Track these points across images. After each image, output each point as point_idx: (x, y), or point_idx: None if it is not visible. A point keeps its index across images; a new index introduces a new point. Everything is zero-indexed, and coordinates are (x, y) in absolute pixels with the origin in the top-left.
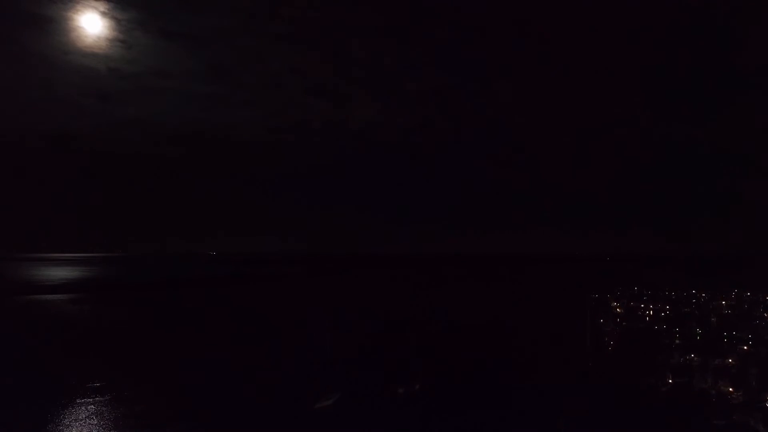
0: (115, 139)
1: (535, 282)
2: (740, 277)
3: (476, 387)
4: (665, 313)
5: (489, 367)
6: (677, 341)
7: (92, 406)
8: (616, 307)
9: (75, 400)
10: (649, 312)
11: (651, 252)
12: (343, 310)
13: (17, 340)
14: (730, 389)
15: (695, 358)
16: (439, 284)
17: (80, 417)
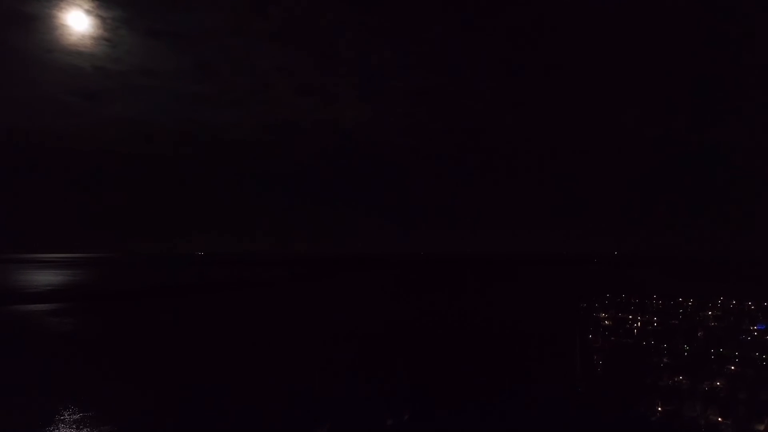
0: (100, 139)
1: (524, 287)
2: (726, 281)
3: (464, 417)
4: (653, 326)
5: (478, 393)
6: (665, 360)
7: None
8: (605, 318)
9: None
10: (637, 324)
11: (637, 252)
12: (328, 323)
13: None
14: (719, 419)
15: (684, 381)
16: (429, 291)
17: None
